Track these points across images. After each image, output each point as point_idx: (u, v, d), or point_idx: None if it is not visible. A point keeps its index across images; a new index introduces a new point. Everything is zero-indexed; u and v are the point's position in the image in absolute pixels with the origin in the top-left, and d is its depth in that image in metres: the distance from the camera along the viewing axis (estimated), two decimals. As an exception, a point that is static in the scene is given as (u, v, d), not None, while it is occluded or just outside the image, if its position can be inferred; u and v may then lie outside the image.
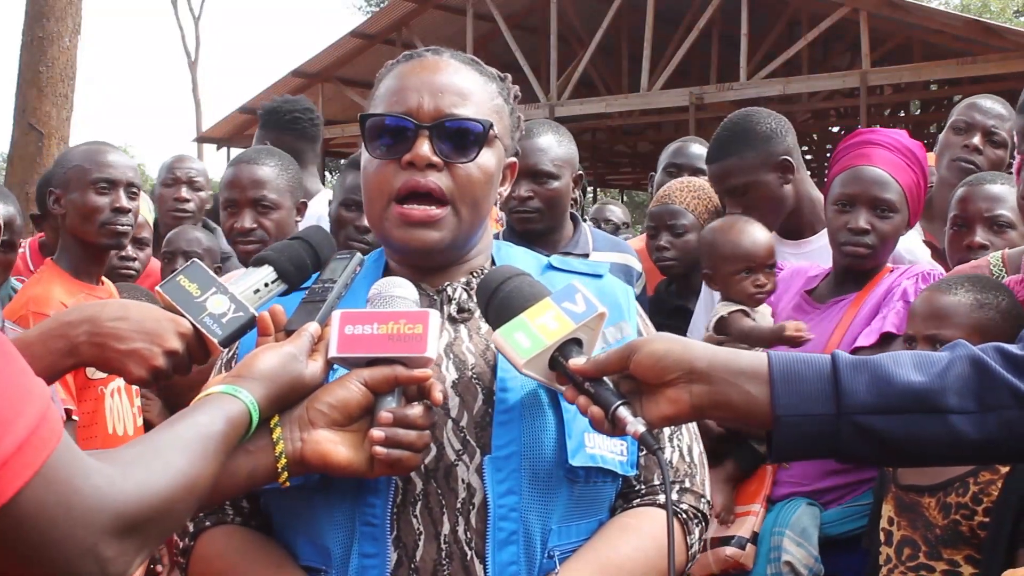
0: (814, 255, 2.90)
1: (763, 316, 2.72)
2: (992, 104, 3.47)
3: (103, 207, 2.89)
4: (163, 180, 4.22)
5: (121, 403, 2.85)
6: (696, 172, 3.73)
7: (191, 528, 1.49)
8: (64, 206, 2.93)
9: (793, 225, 3.01)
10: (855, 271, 2.56)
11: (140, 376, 1.43)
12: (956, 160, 3.37)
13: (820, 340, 2.49)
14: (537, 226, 3.01)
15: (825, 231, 2.73)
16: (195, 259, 1.54)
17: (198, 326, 1.43)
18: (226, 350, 1.59)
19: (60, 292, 2.79)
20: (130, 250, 3.51)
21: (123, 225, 2.93)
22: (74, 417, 2.64)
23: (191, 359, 1.46)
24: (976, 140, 3.35)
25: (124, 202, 2.91)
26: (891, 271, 2.58)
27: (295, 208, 3.00)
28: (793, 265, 2.84)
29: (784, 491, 2.48)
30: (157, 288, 1.49)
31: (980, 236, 2.70)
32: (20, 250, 4.23)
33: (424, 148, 1.45)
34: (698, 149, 3.85)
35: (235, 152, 19.77)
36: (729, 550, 2.38)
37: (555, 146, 3.00)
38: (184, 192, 4.13)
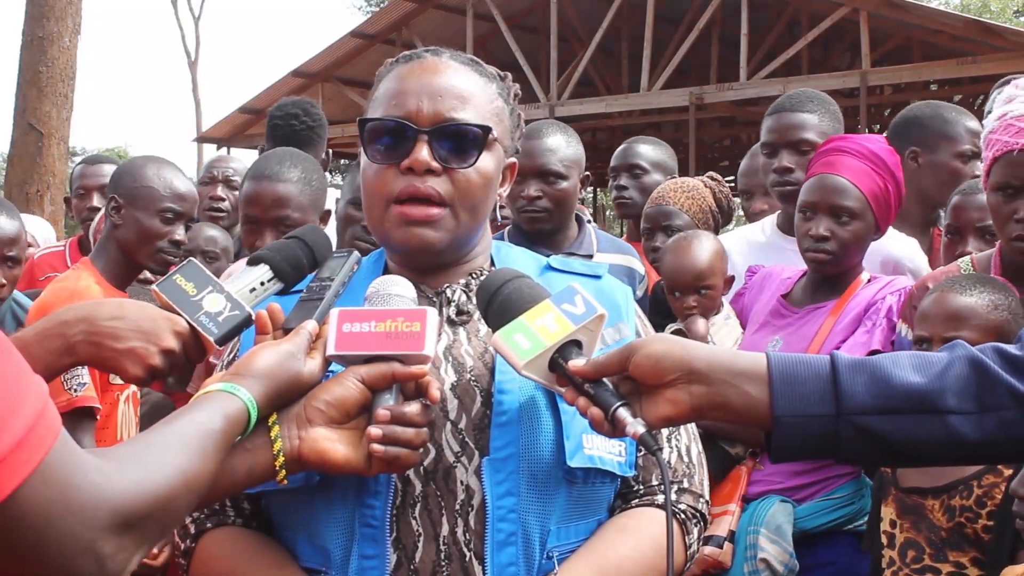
0: None
1: (717, 328, 2.76)
2: (973, 123, 3.32)
3: (164, 235, 2.89)
4: (201, 179, 4.28)
5: (128, 410, 2.86)
6: (632, 168, 3.78)
7: (192, 529, 1.49)
8: (123, 218, 2.90)
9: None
10: (828, 277, 2.62)
11: (137, 375, 1.42)
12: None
13: (799, 348, 2.52)
14: (545, 226, 3.02)
15: None
16: (191, 258, 1.54)
17: (194, 325, 1.43)
18: (228, 349, 1.60)
19: (98, 293, 2.78)
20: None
21: (175, 257, 2.93)
22: (97, 416, 2.66)
23: (188, 358, 1.46)
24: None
25: (182, 235, 2.93)
26: (869, 281, 2.62)
27: (320, 219, 2.88)
28: (766, 268, 2.88)
29: (758, 489, 2.52)
30: (154, 287, 1.49)
31: (971, 245, 2.74)
32: (65, 243, 4.28)
33: (423, 153, 1.45)
34: (638, 147, 3.86)
35: (235, 153, 19.76)
36: (708, 549, 2.43)
37: (564, 147, 3.02)
38: (220, 191, 4.15)
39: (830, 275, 2.61)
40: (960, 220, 2.80)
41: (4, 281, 2.97)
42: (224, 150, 19.10)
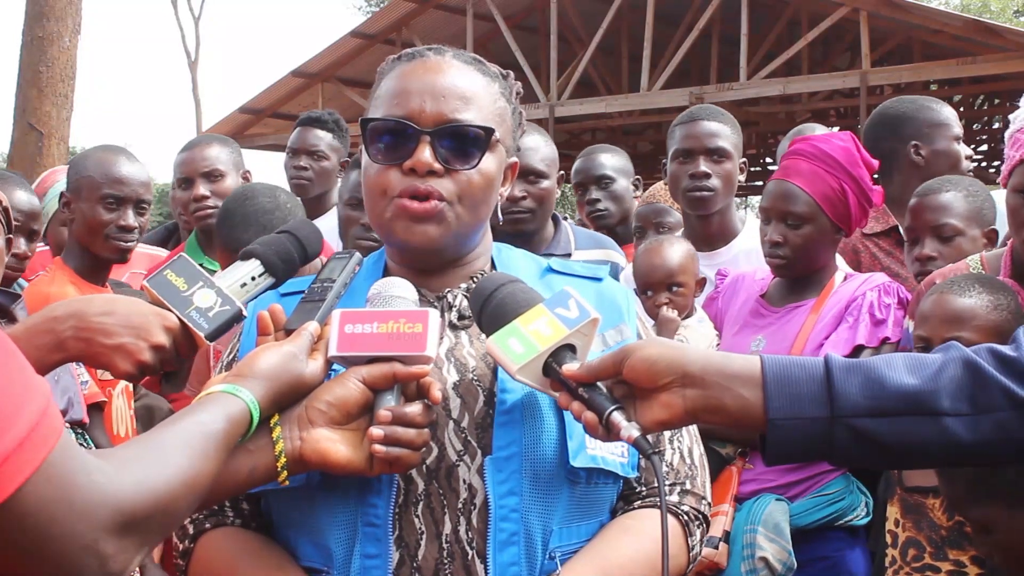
0: (726, 266, 3.00)
1: (692, 330, 2.77)
2: (949, 109, 3.39)
3: (108, 222, 2.87)
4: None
5: (122, 405, 2.86)
6: (600, 180, 3.84)
7: (191, 530, 1.49)
8: (73, 212, 2.92)
9: (706, 232, 3.09)
10: (801, 278, 2.65)
11: (127, 371, 1.42)
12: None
13: (782, 346, 2.54)
14: (530, 226, 3.00)
15: (735, 241, 3.05)
16: (182, 254, 1.54)
17: (184, 320, 1.43)
18: (228, 351, 1.60)
19: (73, 292, 2.78)
20: None
21: (127, 242, 2.92)
22: (103, 408, 2.68)
23: (178, 353, 1.46)
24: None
25: (130, 220, 2.90)
26: (846, 278, 2.64)
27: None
28: (737, 272, 2.90)
29: (750, 488, 2.54)
30: (144, 282, 1.49)
31: (928, 247, 2.71)
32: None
33: (425, 154, 1.44)
34: (600, 157, 3.92)
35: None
36: (703, 550, 2.43)
37: (543, 146, 3.02)
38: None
39: (795, 277, 2.65)
40: (916, 222, 2.76)
41: (29, 253, 2.99)
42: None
